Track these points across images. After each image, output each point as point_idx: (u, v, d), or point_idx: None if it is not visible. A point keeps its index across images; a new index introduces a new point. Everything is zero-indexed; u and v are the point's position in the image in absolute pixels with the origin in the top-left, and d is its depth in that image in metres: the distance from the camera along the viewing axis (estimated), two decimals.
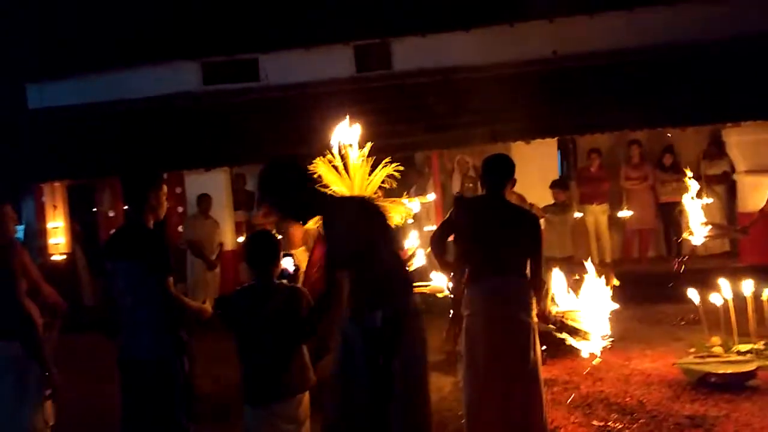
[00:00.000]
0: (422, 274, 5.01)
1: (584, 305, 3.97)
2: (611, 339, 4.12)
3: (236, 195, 8.91)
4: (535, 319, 3.24)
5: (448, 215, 3.38)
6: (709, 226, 5.62)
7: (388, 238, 2.92)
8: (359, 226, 2.81)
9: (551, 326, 3.86)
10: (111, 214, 9.66)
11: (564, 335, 3.90)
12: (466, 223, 3.26)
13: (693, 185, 5.50)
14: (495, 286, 3.18)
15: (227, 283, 7.81)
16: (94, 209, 9.93)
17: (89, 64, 9.24)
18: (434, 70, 8.64)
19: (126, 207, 3.42)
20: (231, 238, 8.32)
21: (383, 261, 2.79)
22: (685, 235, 5.56)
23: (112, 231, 3.42)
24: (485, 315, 3.15)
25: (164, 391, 3.08)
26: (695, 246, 5.87)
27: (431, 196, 5.89)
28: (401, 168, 5.29)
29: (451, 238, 3.43)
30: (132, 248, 3.11)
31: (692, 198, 5.54)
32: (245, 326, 3.06)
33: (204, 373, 5.73)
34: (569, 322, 3.88)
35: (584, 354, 4.03)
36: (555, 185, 7.14)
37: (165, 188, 3.27)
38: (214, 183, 8.29)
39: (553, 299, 3.92)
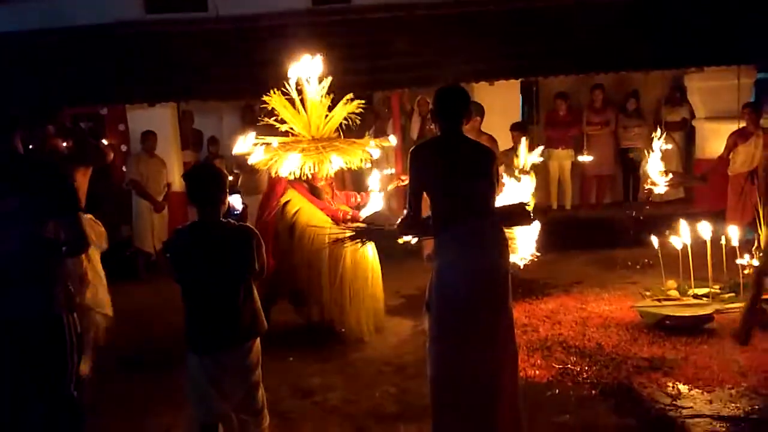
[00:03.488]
0: (380, 217, 4.81)
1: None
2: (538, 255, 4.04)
3: (183, 133, 8.43)
4: (512, 264, 3.04)
5: (409, 174, 3.01)
6: (670, 175, 5.57)
7: None
8: None
9: None
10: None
11: None
12: (426, 170, 2.96)
13: (656, 132, 5.43)
14: (467, 231, 2.88)
15: (176, 226, 7.42)
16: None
17: None
18: (394, 5, 8.20)
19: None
20: (179, 179, 7.88)
21: None
22: (647, 185, 5.50)
23: None
24: (460, 264, 2.88)
25: (49, 355, 2.64)
26: (652, 193, 5.82)
27: (392, 139, 5.54)
28: (364, 106, 5.02)
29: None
30: (15, 182, 2.59)
31: (655, 145, 5.46)
32: (188, 268, 2.79)
33: (153, 320, 5.51)
34: None
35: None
36: (515, 128, 6.93)
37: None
38: (160, 120, 7.76)
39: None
